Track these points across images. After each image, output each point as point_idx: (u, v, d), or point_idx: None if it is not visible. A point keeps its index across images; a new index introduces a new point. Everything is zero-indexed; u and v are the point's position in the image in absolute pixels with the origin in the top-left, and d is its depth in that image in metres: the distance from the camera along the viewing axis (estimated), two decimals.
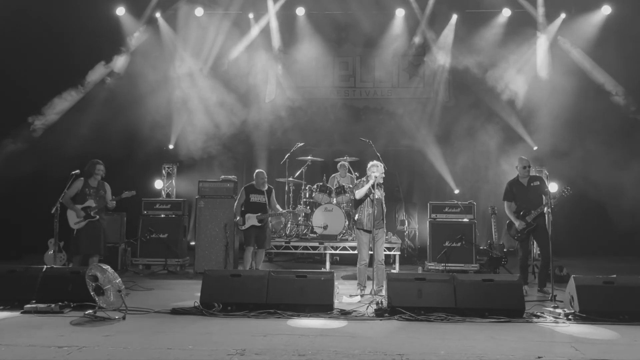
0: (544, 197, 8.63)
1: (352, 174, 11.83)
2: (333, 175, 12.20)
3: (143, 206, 11.43)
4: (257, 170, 9.87)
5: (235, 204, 9.75)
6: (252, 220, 9.44)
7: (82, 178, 8.79)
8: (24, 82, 12.15)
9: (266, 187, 9.70)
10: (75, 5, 12.57)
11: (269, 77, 14.75)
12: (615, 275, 7.20)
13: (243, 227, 9.48)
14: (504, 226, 9.44)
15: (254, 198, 9.59)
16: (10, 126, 12.37)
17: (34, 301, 7.05)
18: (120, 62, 13.61)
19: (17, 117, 12.51)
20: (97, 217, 8.78)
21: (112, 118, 12.33)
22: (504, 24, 13.84)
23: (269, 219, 9.83)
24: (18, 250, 12.21)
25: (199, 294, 7.22)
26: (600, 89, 13.18)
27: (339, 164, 12.00)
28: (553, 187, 11.67)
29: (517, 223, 8.89)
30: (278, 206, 9.91)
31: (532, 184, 8.96)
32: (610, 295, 6.89)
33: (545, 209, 8.76)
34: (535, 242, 9.80)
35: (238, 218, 9.54)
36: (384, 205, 8.47)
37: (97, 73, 13.31)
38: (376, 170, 8.30)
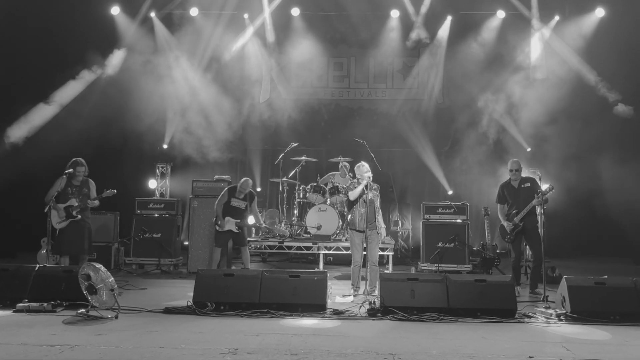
0: (535, 197, 8.63)
1: (348, 175, 11.80)
2: (332, 173, 12.12)
3: (136, 205, 11.41)
4: (244, 179, 9.84)
5: (217, 202, 9.74)
6: (230, 224, 9.49)
7: (64, 176, 8.73)
8: (17, 80, 12.14)
9: (247, 194, 9.72)
10: (69, 4, 12.53)
11: (264, 77, 14.74)
12: (606, 276, 7.25)
13: (220, 230, 9.56)
14: (497, 227, 9.47)
15: (235, 202, 9.62)
16: (4, 124, 12.32)
17: (26, 300, 7.05)
18: (114, 62, 13.55)
19: (10, 115, 12.46)
20: (79, 216, 8.72)
21: (106, 117, 12.27)
22: (498, 25, 13.88)
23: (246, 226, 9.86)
24: (11, 249, 12.16)
25: (192, 294, 7.22)
26: (594, 91, 13.22)
27: (340, 164, 11.90)
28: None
29: (505, 224, 8.94)
30: (259, 215, 10.02)
31: (522, 186, 8.94)
32: (602, 296, 6.93)
33: (538, 209, 8.78)
34: (527, 244, 9.79)
35: (217, 219, 9.63)
36: (376, 206, 8.47)
37: (91, 72, 13.26)
38: (361, 170, 8.34)
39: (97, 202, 8.90)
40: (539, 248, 8.59)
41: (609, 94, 13.05)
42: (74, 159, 8.88)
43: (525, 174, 9.27)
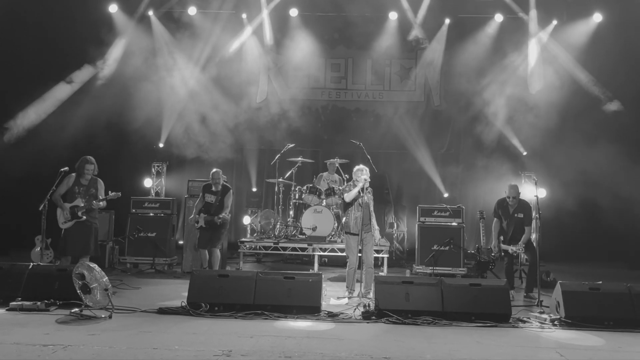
0: (525, 229, 8.80)
1: (341, 175, 11.82)
2: (321, 174, 12.18)
3: (132, 204, 11.41)
4: (213, 170, 9.65)
5: (197, 202, 9.66)
6: (201, 220, 9.32)
7: (73, 175, 8.49)
8: (13, 78, 12.10)
9: (220, 188, 9.48)
10: (66, 2, 12.48)
11: (261, 77, 14.72)
12: (601, 282, 7.27)
13: (197, 227, 9.44)
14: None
15: (207, 198, 9.47)
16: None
17: (19, 298, 7.01)
18: (111, 60, 13.51)
19: (6, 113, 12.43)
20: (84, 217, 8.41)
21: (103, 116, 12.25)
22: (496, 29, 13.89)
23: (219, 219, 9.34)
24: (4, 247, 12.12)
25: (186, 294, 7.21)
26: (590, 95, 13.27)
27: (328, 162, 11.99)
28: (541, 193, 11.70)
29: (494, 242, 9.06)
30: (227, 210, 9.41)
31: (516, 215, 8.99)
32: (596, 302, 6.96)
33: (534, 214, 8.82)
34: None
35: (192, 216, 9.51)
36: (371, 209, 8.46)
37: (87, 70, 13.23)
38: (362, 174, 8.33)
39: (103, 204, 8.58)
40: (534, 251, 8.71)
41: (605, 98, 13.09)
42: (83, 157, 8.59)
43: (521, 198, 9.25)
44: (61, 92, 12.95)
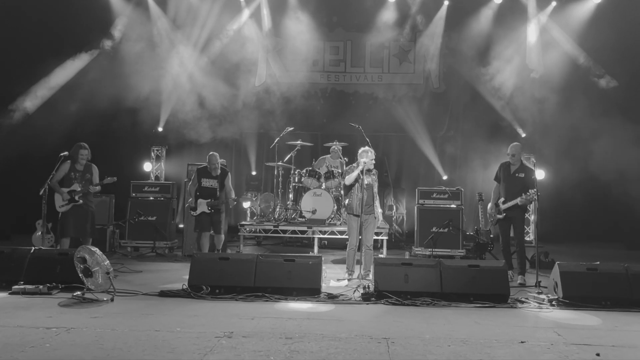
0: (527, 190, 8.54)
1: (341, 158, 11.82)
2: (323, 157, 12.16)
3: (132, 188, 11.44)
4: (209, 153, 9.36)
5: (190, 186, 9.35)
6: (202, 206, 9.05)
7: (69, 161, 8.72)
8: (10, 62, 12.06)
9: (219, 172, 9.24)
10: None
11: (260, 60, 14.66)
12: (598, 262, 7.33)
13: (194, 214, 9.12)
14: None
15: (205, 183, 9.16)
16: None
17: (21, 282, 7.05)
18: (109, 44, 13.44)
19: (4, 96, 12.39)
20: (81, 201, 8.68)
21: (101, 100, 12.21)
22: (495, 11, 13.80)
23: (223, 204, 9.28)
24: (5, 231, 12.17)
25: (187, 277, 7.25)
26: (589, 76, 13.25)
27: (331, 147, 11.93)
28: (540, 174, 11.74)
29: (489, 207, 9.03)
30: (233, 192, 9.38)
31: (517, 175, 8.80)
32: (593, 282, 7.00)
33: (530, 199, 8.76)
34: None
35: (191, 199, 9.16)
36: (375, 192, 8.48)
37: (84, 55, 13.17)
38: (365, 156, 8.34)
39: (98, 188, 8.91)
40: (522, 232, 8.78)
41: (603, 78, 13.08)
42: (77, 143, 8.84)
43: (523, 161, 9.17)
44: (60, 75, 12.91)
